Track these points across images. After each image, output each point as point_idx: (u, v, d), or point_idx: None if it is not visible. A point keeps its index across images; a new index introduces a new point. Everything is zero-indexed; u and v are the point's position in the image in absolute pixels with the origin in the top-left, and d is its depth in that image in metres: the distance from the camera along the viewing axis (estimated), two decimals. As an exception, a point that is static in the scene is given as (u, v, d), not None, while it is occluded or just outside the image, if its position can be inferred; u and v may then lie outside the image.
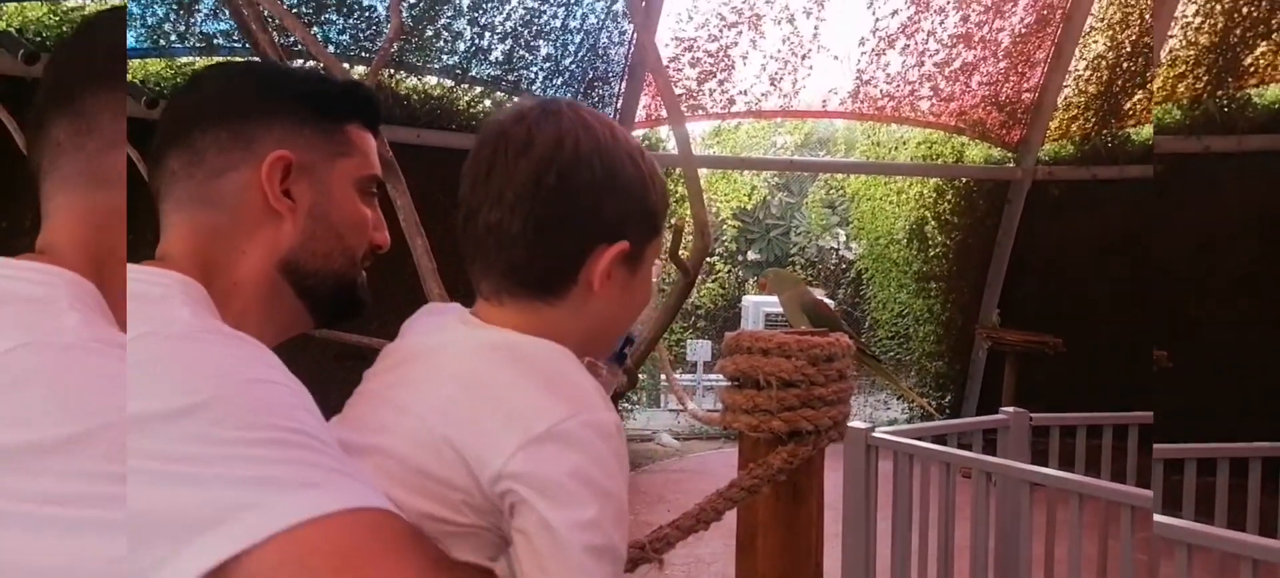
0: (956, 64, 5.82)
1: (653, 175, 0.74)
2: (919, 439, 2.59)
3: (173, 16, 4.57)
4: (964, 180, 6.37)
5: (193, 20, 4.60)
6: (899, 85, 5.97)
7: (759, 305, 9.36)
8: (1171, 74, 5.39)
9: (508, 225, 0.68)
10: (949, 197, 6.47)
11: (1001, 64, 5.81)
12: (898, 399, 7.58)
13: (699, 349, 8.96)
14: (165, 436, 0.53)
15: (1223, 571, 1.93)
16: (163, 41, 4.57)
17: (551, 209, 0.68)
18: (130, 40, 4.45)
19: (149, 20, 4.55)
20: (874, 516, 2.63)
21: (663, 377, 7.53)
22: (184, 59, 4.65)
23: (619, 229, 0.71)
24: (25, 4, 4.13)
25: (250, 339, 0.64)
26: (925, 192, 6.62)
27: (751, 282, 11.22)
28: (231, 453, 0.53)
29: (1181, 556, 1.79)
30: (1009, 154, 6.15)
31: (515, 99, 5.48)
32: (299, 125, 0.74)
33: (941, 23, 5.68)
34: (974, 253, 6.34)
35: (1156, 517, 1.87)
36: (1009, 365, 5.56)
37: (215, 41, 4.63)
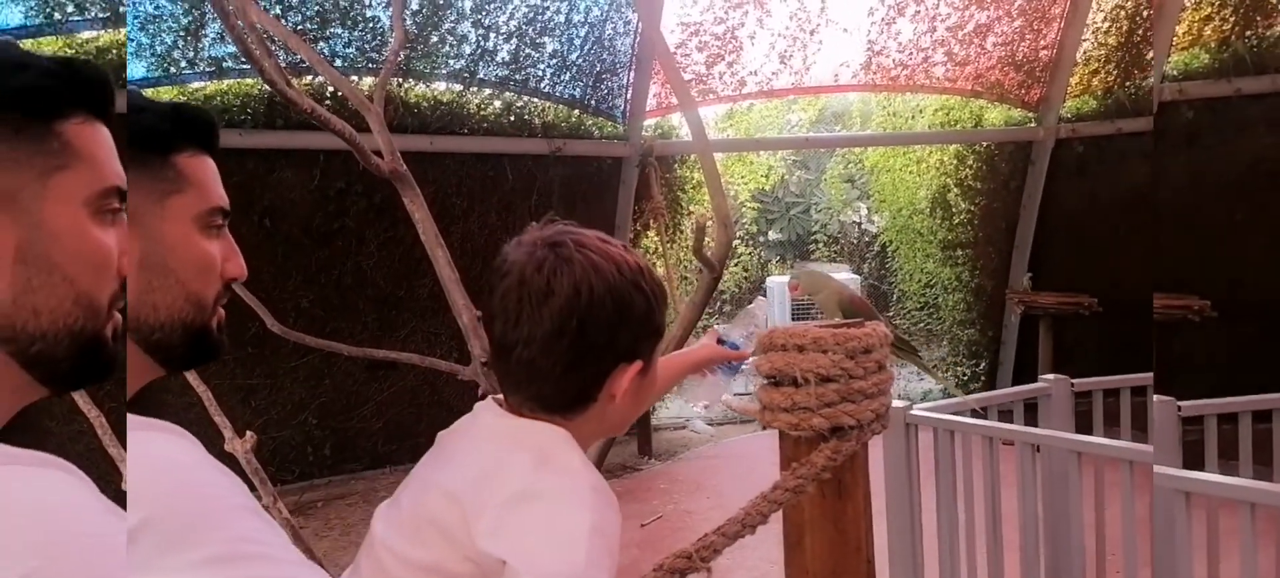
0: (970, 26, 5.70)
1: (655, 293, 0.85)
2: (958, 414, 2.54)
3: (180, 43, 4.60)
4: (985, 144, 6.25)
5: (200, 45, 4.62)
6: (912, 53, 5.86)
7: (784, 287, 9.27)
8: (1197, 17, 5.23)
9: (539, 364, 0.79)
10: (970, 162, 6.35)
11: (1017, 22, 5.67)
12: (921, 374, 7.49)
13: (733, 337, 8.89)
14: None
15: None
16: (172, 69, 4.59)
17: (575, 350, 0.79)
18: (140, 71, 4.49)
19: (158, 49, 4.58)
20: (918, 492, 2.58)
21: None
22: (195, 84, 4.68)
23: (633, 351, 0.83)
24: (40, 39, 4.18)
25: (173, 429, 0.59)
26: (945, 159, 6.50)
27: (774, 262, 11.14)
28: None
29: (1179, 502, 1.91)
30: (1029, 114, 6.01)
31: (524, 99, 5.47)
32: None
33: (953, -15, 5.56)
34: (1000, 217, 6.22)
35: (1157, 468, 1.98)
36: (1044, 329, 5.45)
37: (224, 65, 4.65)
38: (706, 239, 1.46)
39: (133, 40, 4.57)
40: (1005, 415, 2.75)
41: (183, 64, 4.65)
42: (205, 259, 0.69)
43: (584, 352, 0.79)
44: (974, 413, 2.61)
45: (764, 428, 1.10)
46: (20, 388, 0.57)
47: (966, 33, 5.72)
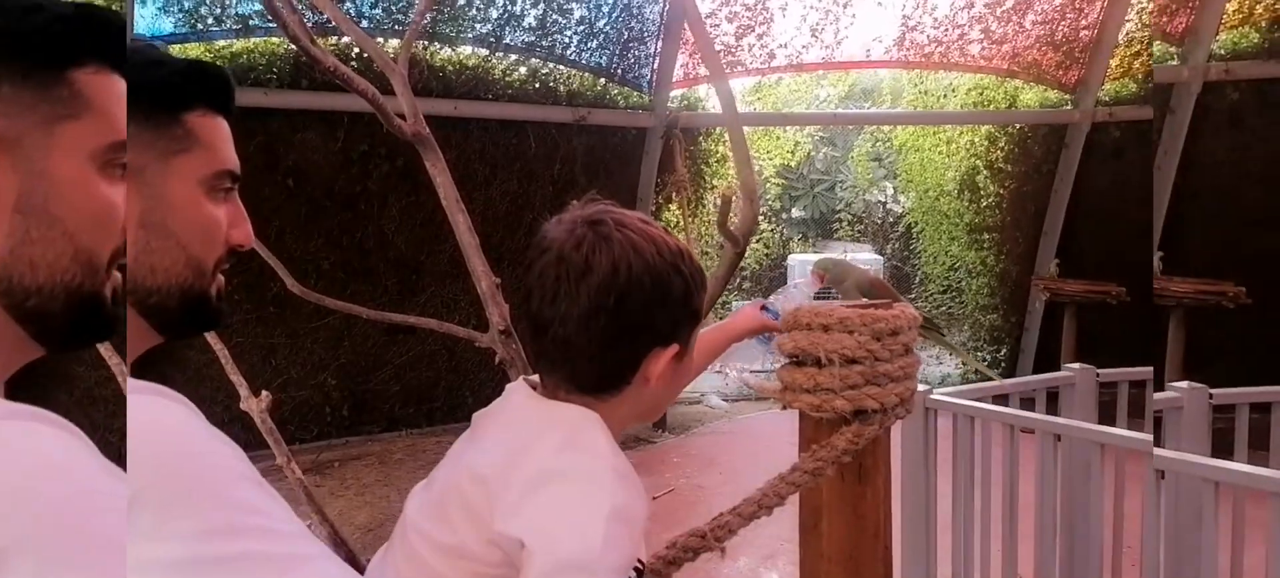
0: (1009, 3, 5.55)
1: (695, 277, 0.84)
2: (979, 400, 2.50)
3: (208, 0, 4.59)
4: (1018, 126, 6.11)
5: (227, 2, 4.62)
6: (947, 29, 5.73)
7: (806, 265, 9.20)
8: (1247, -2, 5.04)
9: (574, 342, 0.78)
10: (1002, 144, 6.22)
11: (1058, 1, 5.51)
12: (952, 355, 7.41)
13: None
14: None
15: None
16: (200, 25, 4.59)
17: (611, 329, 0.78)
18: (168, 26, 4.49)
19: (186, 4, 4.58)
20: (934, 478, 2.55)
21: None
22: (221, 42, 4.68)
23: (671, 334, 0.82)
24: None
25: (166, 393, 0.56)
26: (976, 140, 6.38)
27: (795, 240, 11.04)
28: (164, 566, 0.48)
29: (1208, 492, 1.89)
30: (1066, 96, 5.87)
31: (550, 66, 5.42)
32: None
33: (992, -40, 5.41)
34: (1029, 201, 6.10)
35: (1157, 450, 2.01)
36: (1068, 317, 5.36)
37: (251, 22, 4.64)
38: (732, 214, 1.43)
39: (161, -5, 4.57)
40: (1027, 403, 2.71)
41: (210, 21, 4.65)
42: (209, 223, 0.67)
43: (620, 332, 0.79)
44: (994, 400, 2.57)
45: (784, 409, 1.07)
46: (16, 344, 0.55)
47: (1005, 9, 5.57)
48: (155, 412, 0.56)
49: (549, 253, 0.79)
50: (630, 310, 0.78)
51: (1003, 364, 6.33)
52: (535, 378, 0.86)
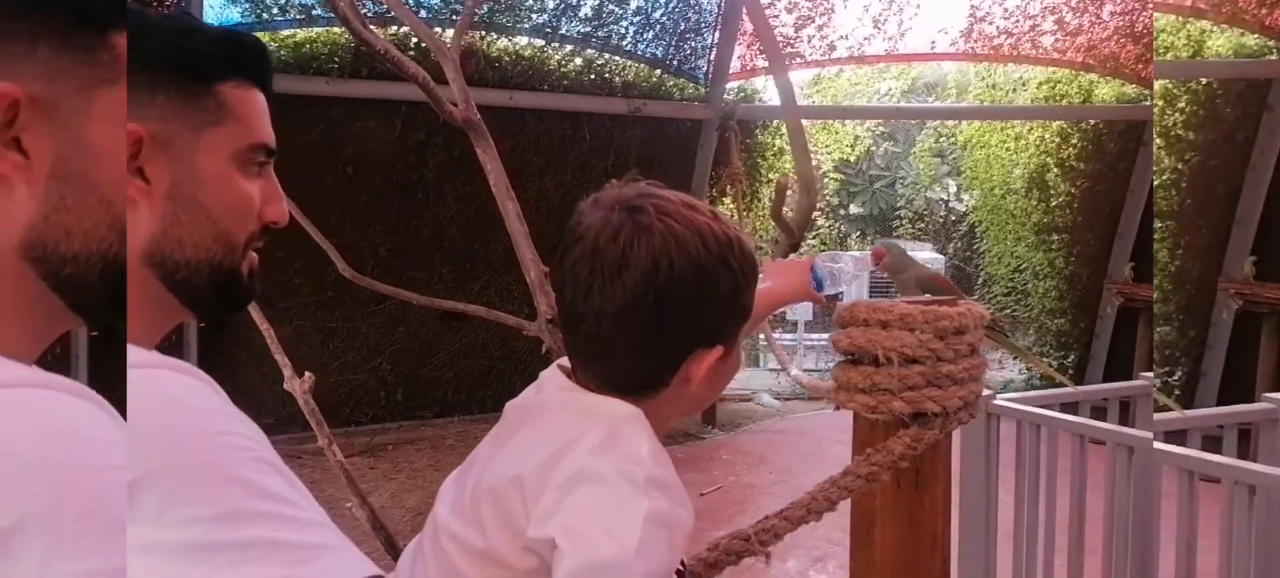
0: (1085, -7, 5.30)
1: (745, 270, 0.76)
2: (1046, 406, 2.38)
3: (274, -9, 4.71)
4: (1092, 122, 5.84)
5: (294, -7, 4.72)
6: (1018, 20, 5.50)
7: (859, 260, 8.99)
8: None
9: (610, 341, 0.72)
10: (1074, 140, 5.96)
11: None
12: (1015, 360, 7.15)
13: (799, 309, 8.72)
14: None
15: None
16: (264, 15, 4.71)
17: (649, 329, 0.71)
18: (235, 16, 4.61)
19: (253, -4, 4.70)
20: (995, 487, 2.44)
21: (762, 337, 7.40)
22: (285, 32, 4.79)
23: (715, 334, 0.75)
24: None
25: (184, 367, 0.54)
26: (1047, 136, 6.12)
27: (854, 237, 10.83)
28: (170, 551, 0.45)
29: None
30: (1145, 91, 5.58)
31: (605, 57, 5.39)
32: (152, 90, 0.60)
33: (1068, -53, 5.17)
34: (1103, 201, 5.83)
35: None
36: (1143, 323, 5.11)
37: (314, 12, 4.74)
38: (787, 206, 1.36)
39: (230, -15, 4.70)
40: (1097, 413, 2.57)
41: (274, 10, 4.76)
42: (240, 198, 0.65)
43: (659, 332, 0.72)
44: (1062, 408, 2.44)
45: (837, 409, 1.01)
46: (169, 309, 0.64)
47: (1081, 0, 5.32)
48: (172, 388, 0.54)
49: (583, 242, 0.73)
50: (671, 309, 0.71)
51: (1071, 371, 6.07)
52: (567, 363, 0.80)
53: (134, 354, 0.55)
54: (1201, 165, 5.05)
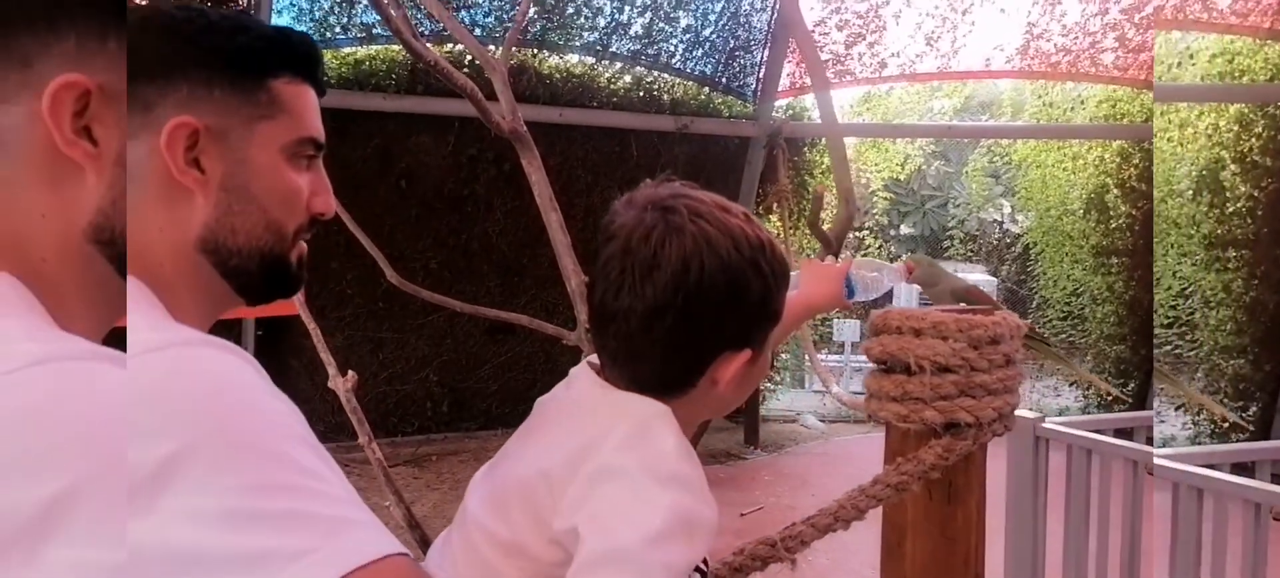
0: (1149, 8, 5.14)
1: (776, 274, 0.76)
2: (1099, 432, 2.30)
3: (336, 9, 4.88)
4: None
5: (354, 12, 4.89)
6: (1077, 37, 5.37)
7: (912, 289, 8.85)
8: None
9: (638, 341, 0.73)
10: (1136, 161, 5.77)
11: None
12: (1071, 386, 6.92)
13: (846, 329, 8.60)
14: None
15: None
16: (327, 33, 4.88)
17: (678, 331, 0.72)
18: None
19: (316, 13, 4.88)
20: (1043, 515, 2.37)
21: (806, 358, 7.31)
22: (346, 49, 4.95)
23: (744, 338, 0.75)
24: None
25: (228, 347, 0.57)
26: (1107, 156, 5.94)
27: (904, 256, 10.64)
28: (209, 517, 0.47)
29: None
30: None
31: (654, 74, 5.43)
32: (208, 85, 0.63)
33: (1130, -37, 5.04)
34: (1153, 221, 5.62)
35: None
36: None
37: (374, 31, 4.89)
38: (828, 219, 1.36)
39: (294, 5, 4.90)
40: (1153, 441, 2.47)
41: (336, 29, 4.94)
42: (290, 189, 0.68)
43: (688, 334, 0.72)
44: (1115, 433, 2.36)
45: (868, 418, 1.00)
46: (222, 295, 0.68)
47: (1145, 16, 5.17)
48: (218, 365, 0.57)
49: (615, 240, 0.73)
50: (700, 312, 0.71)
51: (1130, 400, 5.85)
52: (597, 360, 0.81)
53: (183, 332, 0.58)
54: (1278, 192, 4.77)
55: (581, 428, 0.74)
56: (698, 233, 0.71)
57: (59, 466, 0.44)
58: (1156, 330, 5.49)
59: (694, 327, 0.72)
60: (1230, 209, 5.00)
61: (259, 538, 0.48)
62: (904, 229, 10.93)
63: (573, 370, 0.84)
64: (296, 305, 1.86)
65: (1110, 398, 5.92)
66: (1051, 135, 5.91)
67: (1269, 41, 4.75)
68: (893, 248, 10.75)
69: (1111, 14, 5.23)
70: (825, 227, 1.39)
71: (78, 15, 0.55)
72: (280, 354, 4.65)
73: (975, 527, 1.03)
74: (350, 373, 1.69)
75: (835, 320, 8.65)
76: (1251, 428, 4.85)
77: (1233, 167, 4.96)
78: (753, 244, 0.74)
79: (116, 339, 0.56)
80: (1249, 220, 4.91)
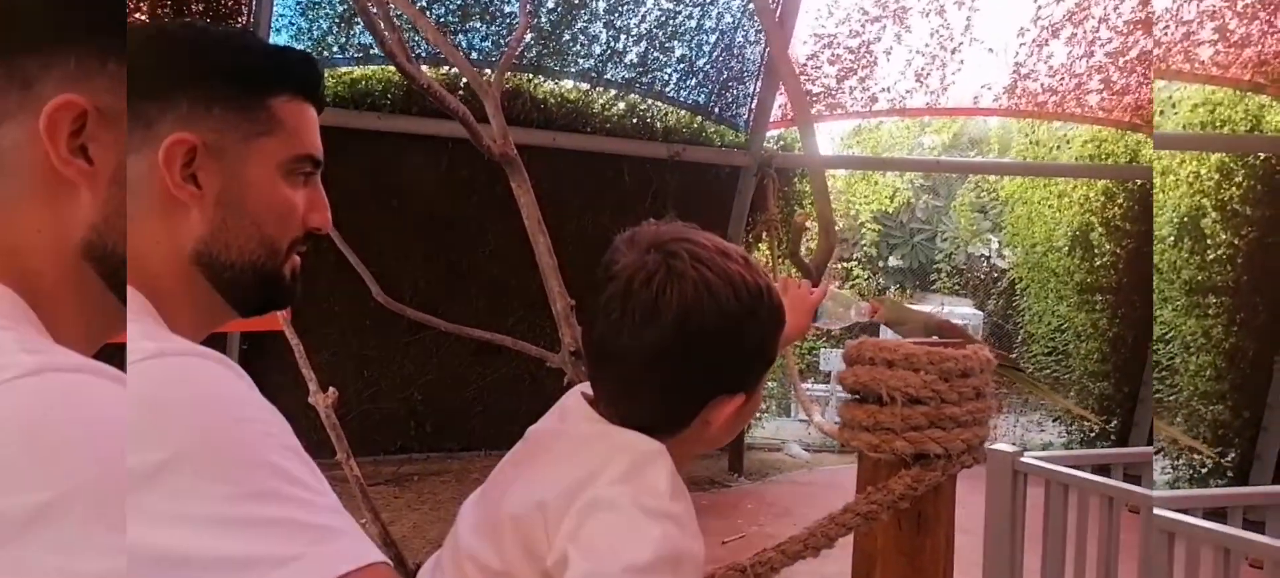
0: (1133, 53, 5.25)
1: (772, 321, 0.77)
2: (1077, 468, 2.32)
3: (334, 29, 4.92)
4: (1139, 182, 5.74)
5: (352, 32, 4.93)
6: (1063, 78, 5.47)
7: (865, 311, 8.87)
8: None
9: (635, 382, 0.74)
10: (1120, 200, 5.86)
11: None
12: (1054, 420, 6.96)
13: (832, 359, 8.63)
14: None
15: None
16: (325, 52, 4.92)
17: (675, 375, 0.73)
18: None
19: (314, 33, 4.92)
20: (1020, 549, 2.38)
21: (792, 388, 7.32)
22: (344, 68, 4.99)
23: (739, 383, 0.76)
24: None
25: (219, 358, 0.58)
26: (1092, 194, 6.03)
27: (892, 289, 10.70)
28: (198, 522, 0.48)
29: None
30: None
31: (648, 102, 5.49)
32: (207, 102, 0.65)
33: (1116, 8, 5.14)
34: (1149, 262, 5.69)
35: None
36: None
37: (371, 51, 4.93)
38: (807, 248, 1.38)
39: (292, 24, 4.94)
40: (1133, 478, 2.50)
41: (335, 48, 4.97)
42: (284, 204, 0.69)
43: (685, 378, 0.74)
44: (1094, 470, 2.38)
45: (842, 447, 1.01)
46: (216, 308, 0.69)
47: (1129, 59, 5.28)
48: (206, 374, 0.58)
49: (617, 281, 0.74)
50: (697, 358, 0.73)
51: (1113, 436, 5.89)
52: (589, 389, 0.82)
53: (177, 342, 0.59)
54: (1258, 241, 4.84)
55: (578, 462, 0.74)
56: (699, 279, 0.72)
57: (50, 474, 0.45)
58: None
59: (691, 371, 0.74)
60: (1211, 256, 5.06)
61: (245, 544, 0.49)
62: (892, 261, 11.01)
63: (564, 400, 0.85)
64: (281, 321, 1.87)
65: (1094, 431, 5.96)
66: (1048, 173, 6.01)
67: (1249, 93, 4.86)
68: (881, 279, 10.82)
69: (1097, 56, 5.33)
70: (806, 257, 1.41)
71: (78, 38, 0.57)
72: (263, 369, 4.62)
73: (944, 557, 1.05)
74: (331, 389, 1.69)
75: (821, 349, 8.68)
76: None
77: (1213, 214, 5.06)
78: (752, 291, 0.75)
79: (108, 355, 0.57)
80: (1229, 268, 4.98)
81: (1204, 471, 5.05)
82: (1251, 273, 4.90)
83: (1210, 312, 5.10)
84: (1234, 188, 4.98)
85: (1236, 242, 4.95)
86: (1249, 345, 4.89)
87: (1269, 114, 4.90)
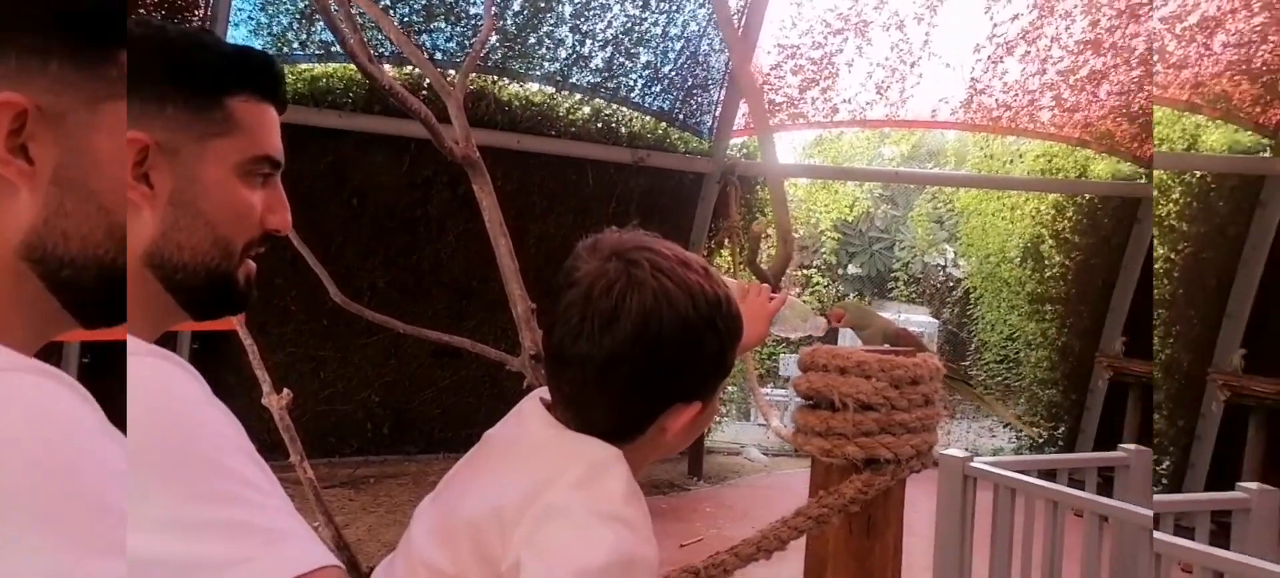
0: (1084, 72, 5.43)
1: (730, 331, 0.78)
2: (1025, 473, 2.39)
3: (295, 26, 4.84)
4: (1087, 197, 5.93)
5: (313, 29, 4.86)
6: (1017, 95, 5.63)
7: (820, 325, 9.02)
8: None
9: (592, 388, 0.75)
10: (1069, 214, 6.04)
11: (1136, 72, 5.37)
12: (1005, 427, 7.14)
13: (791, 364, 8.73)
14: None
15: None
16: (285, 49, 4.83)
17: (633, 382, 0.74)
18: (257, 48, 4.74)
19: (274, 29, 4.83)
20: (969, 552, 2.44)
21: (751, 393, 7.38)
22: (304, 65, 4.91)
23: (696, 392, 0.77)
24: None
25: (172, 358, 0.58)
26: (1043, 208, 6.21)
27: (851, 296, 10.87)
28: (149, 524, 0.48)
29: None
30: (1141, 169, 5.68)
31: (613, 107, 5.51)
32: (160, 102, 0.64)
33: (1068, 28, 5.30)
34: (1097, 274, 5.88)
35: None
36: (1133, 398, 5.11)
37: (333, 49, 4.86)
38: (766, 256, 1.41)
39: (252, 19, 4.84)
40: (1077, 483, 2.58)
41: (295, 45, 4.89)
42: (240, 206, 0.68)
43: (642, 386, 0.74)
44: (1040, 475, 2.45)
45: (796, 452, 1.04)
46: (167, 309, 0.67)
47: (1079, 78, 5.45)
48: (160, 376, 0.58)
49: (577, 288, 0.75)
50: (656, 365, 0.74)
51: (1061, 442, 6.06)
52: (546, 395, 0.82)
53: (133, 343, 0.59)
54: (1193, 257, 5.07)
55: (535, 468, 0.75)
56: (659, 288, 0.73)
57: None
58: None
59: (649, 379, 0.74)
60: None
61: (198, 546, 0.50)
62: (851, 269, 11.19)
63: (522, 404, 0.86)
64: (234, 321, 1.84)
65: (1043, 438, 6.14)
66: (1039, 188, 6.19)
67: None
68: (841, 287, 10.98)
69: (1048, 75, 5.49)
70: (764, 265, 1.44)
71: (19, 38, 0.55)
72: (216, 369, 4.53)
73: (892, 559, 1.08)
74: (285, 391, 1.67)
75: (781, 355, 8.77)
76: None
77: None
78: (710, 301, 0.75)
79: (46, 354, 0.56)
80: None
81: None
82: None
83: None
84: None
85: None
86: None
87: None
